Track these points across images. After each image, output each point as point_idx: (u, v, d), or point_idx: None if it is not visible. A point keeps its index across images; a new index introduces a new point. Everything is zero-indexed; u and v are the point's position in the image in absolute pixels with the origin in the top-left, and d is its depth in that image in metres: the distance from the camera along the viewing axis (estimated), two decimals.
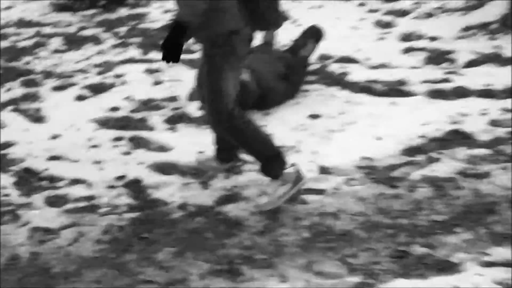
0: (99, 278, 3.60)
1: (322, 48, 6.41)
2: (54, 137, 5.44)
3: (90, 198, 4.49)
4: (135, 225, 4.13)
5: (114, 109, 5.92)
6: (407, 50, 6.70)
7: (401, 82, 5.92)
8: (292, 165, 4.29)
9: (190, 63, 6.39)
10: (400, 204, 4.15)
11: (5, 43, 8.23)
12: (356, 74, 6.15)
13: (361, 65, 6.43)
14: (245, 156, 4.81)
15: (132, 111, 5.87)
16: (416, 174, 4.48)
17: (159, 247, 3.87)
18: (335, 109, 5.52)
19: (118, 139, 5.30)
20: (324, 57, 6.58)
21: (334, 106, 5.57)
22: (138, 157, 5.01)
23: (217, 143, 4.62)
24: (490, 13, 7.25)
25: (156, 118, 5.67)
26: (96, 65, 7.10)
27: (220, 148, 4.63)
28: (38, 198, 4.51)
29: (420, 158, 4.71)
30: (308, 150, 4.91)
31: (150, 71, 6.75)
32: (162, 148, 5.15)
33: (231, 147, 4.60)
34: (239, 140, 4.17)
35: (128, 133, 5.39)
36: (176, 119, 5.60)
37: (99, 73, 6.84)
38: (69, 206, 4.40)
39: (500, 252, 3.56)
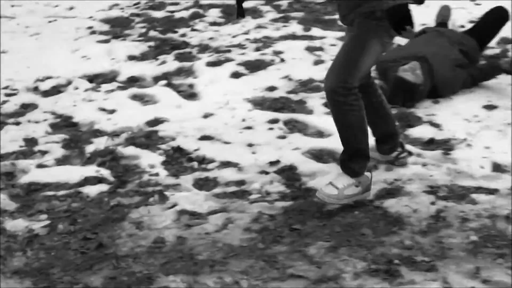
0: (246, 269, 3.70)
1: (505, 30, 6.21)
2: (206, 115, 5.64)
3: (240, 183, 4.63)
4: (287, 215, 4.21)
5: (271, 88, 6.05)
6: None
7: None
8: (369, 171, 4.33)
9: None
10: None
11: (161, 13, 8.59)
12: None
13: None
14: (410, 148, 4.78)
15: (290, 92, 5.98)
16: None
17: (312, 240, 3.93)
18: None
19: (274, 121, 5.42)
20: (505, 41, 6.37)
21: None
22: (294, 142, 5.10)
23: (374, 133, 4.62)
24: None
25: (315, 101, 5.74)
26: (254, 40, 7.27)
27: (379, 139, 4.63)
28: (186, 180, 4.70)
29: None
30: (481, 145, 4.81)
31: (311, 49, 6.83)
32: (320, 134, 5.21)
33: (392, 137, 4.59)
34: (337, 119, 4.19)
35: (284, 116, 5.49)
36: None
37: (257, 49, 7.00)
38: (218, 190, 4.56)
39: None
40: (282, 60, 6.64)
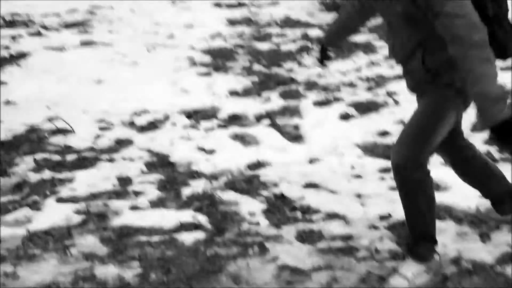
0: None
1: None
2: (312, 161, 5.66)
3: (347, 237, 4.61)
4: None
5: (383, 133, 6.04)
6: None
7: None
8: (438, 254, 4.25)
9: None
10: None
11: (266, 45, 8.70)
12: None
13: None
14: None
15: None
16: None
17: None
18: None
19: (386, 170, 5.39)
20: None
21: None
22: None
23: (487, 195, 4.54)
24: None
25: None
26: (366, 79, 7.27)
27: (494, 199, 4.53)
28: (289, 231, 4.72)
29: None
30: None
31: None
32: (437, 187, 5.15)
33: (509, 194, 4.48)
34: (404, 198, 4.11)
35: None
36: None
37: (369, 89, 7.00)
38: (323, 244, 4.55)
39: None
40: (396, 102, 6.61)
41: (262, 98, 7.01)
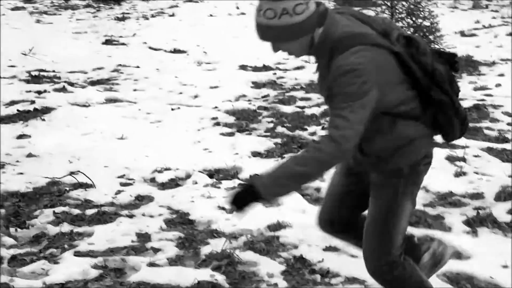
0: None
1: None
2: None
3: None
4: None
5: None
6: None
7: None
8: None
9: (500, 154, 6.30)
10: None
11: (290, 108, 8.75)
12: None
13: None
14: None
15: (426, 204, 5.91)
16: None
17: None
18: None
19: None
20: None
21: None
22: None
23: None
24: None
25: (454, 217, 5.65)
26: None
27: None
28: None
29: None
30: None
31: (452, 159, 6.76)
32: (458, 255, 5.10)
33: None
34: None
35: (419, 231, 5.40)
36: (479, 222, 5.53)
37: None
38: None
39: None
40: None
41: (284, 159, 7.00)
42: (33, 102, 8.94)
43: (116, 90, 9.73)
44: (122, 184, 6.49)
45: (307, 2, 3.47)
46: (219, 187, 6.39)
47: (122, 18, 15.26)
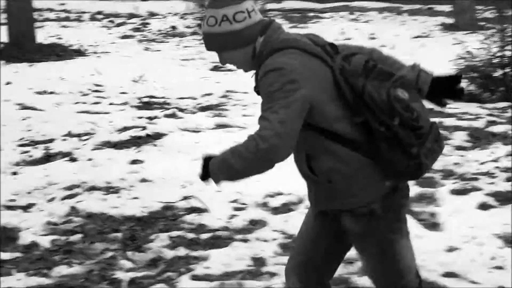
0: None
1: None
2: (451, 249, 5.54)
3: None
4: None
5: None
6: None
7: None
8: None
9: None
10: None
11: None
12: None
13: None
14: None
15: None
16: None
17: None
18: None
19: None
20: None
21: None
22: None
23: None
24: None
25: None
26: (505, 169, 7.12)
27: None
28: None
29: None
30: None
31: None
32: None
33: None
34: None
35: None
36: None
37: (508, 180, 6.84)
38: None
39: None
40: None
41: None
42: (144, 128, 9.12)
43: (226, 115, 9.85)
44: (235, 209, 6.53)
45: (250, 11, 3.46)
46: None
47: None
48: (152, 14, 19.93)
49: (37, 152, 8.29)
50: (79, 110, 10.35)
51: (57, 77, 11.94)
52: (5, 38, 14.34)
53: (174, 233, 6.00)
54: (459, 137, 8.29)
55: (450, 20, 18.10)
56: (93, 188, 7.06)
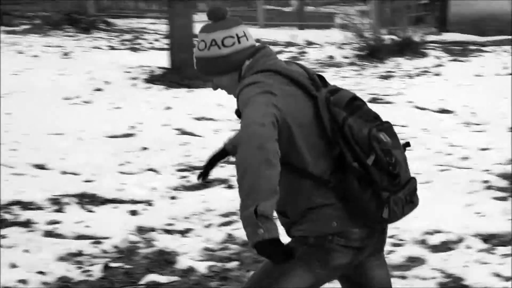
0: None
1: None
2: None
3: None
4: None
5: None
6: None
7: None
8: None
9: None
10: None
11: None
12: None
13: None
14: None
15: None
16: None
17: None
18: None
19: None
20: None
21: None
22: None
23: None
24: None
25: None
26: None
27: None
28: None
29: None
30: None
31: None
32: None
33: None
34: None
35: None
36: None
37: None
38: None
39: None
40: None
41: None
42: None
43: None
44: (393, 245, 6.47)
45: (240, 37, 3.47)
46: (494, 253, 6.22)
47: (386, 77, 15.36)
48: (309, 43, 20.04)
49: (195, 178, 8.47)
50: None
51: (215, 103, 12.18)
52: (165, 63, 14.77)
53: None
54: None
55: None
56: None
